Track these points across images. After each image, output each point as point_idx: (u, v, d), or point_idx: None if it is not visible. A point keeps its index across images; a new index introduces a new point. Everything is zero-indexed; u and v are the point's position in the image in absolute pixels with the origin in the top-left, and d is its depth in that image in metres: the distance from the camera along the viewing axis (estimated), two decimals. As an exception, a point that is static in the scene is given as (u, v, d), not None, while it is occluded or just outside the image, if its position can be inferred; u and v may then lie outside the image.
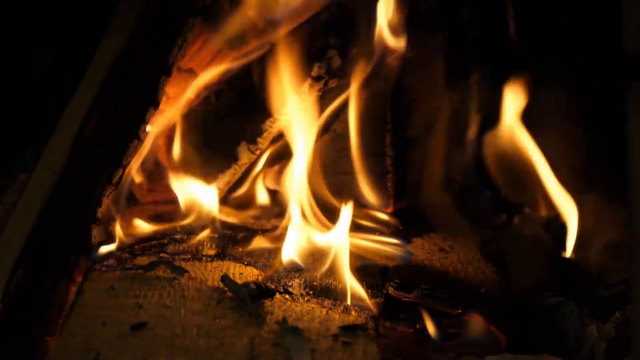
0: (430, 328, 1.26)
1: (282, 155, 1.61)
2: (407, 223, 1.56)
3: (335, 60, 1.46)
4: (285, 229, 1.42)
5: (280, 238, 1.43)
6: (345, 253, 1.34)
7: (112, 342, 1.10)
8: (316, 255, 1.36)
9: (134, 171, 1.51)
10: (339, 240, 1.36)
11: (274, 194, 1.63)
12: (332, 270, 1.33)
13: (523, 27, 1.55)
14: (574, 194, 1.51)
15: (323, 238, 1.38)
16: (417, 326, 1.29)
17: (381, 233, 1.50)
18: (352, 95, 1.52)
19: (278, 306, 1.20)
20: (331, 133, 1.61)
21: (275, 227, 1.51)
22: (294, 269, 1.34)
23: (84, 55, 1.43)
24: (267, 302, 1.20)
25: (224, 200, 1.58)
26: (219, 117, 1.56)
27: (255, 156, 1.54)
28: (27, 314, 1.23)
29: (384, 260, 1.41)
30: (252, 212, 1.60)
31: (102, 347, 1.08)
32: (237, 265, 1.36)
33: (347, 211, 1.41)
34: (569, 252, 1.51)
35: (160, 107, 1.41)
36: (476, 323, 1.28)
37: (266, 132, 1.51)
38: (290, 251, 1.36)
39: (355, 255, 1.38)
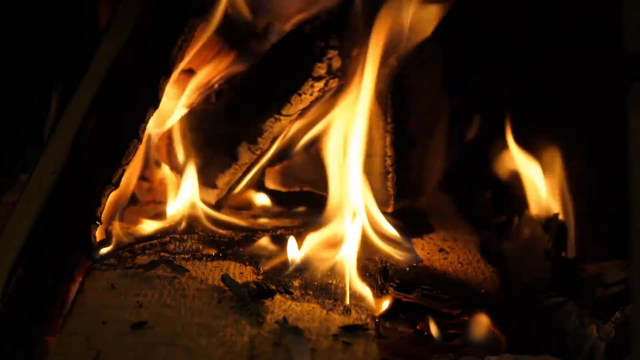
0: (434, 329, 1.26)
1: (283, 155, 1.61)
2: (407, 223, 1.56)
3: (335, 60, 1.46)
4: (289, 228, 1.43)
5: (281, 238, 1.43)
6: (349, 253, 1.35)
7: (113, 341, 1.09)
8: (318, 255, 1.36)
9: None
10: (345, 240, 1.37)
11: (274, 194, 1.64)
12: (334, 270, 1.33)
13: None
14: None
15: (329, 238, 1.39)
16: (417, 327, 1.29)
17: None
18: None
19: (278, 306, 1.20)
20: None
21: (275, 227, 1.51)
22: (295, 269, 1.34)
23: (84, 55, 1.43)
24: (268, 302, 1.20)
25: (224, 200, 1.58)
26: (219, 117, 1.56)
27: (255, 156, 1.54)
28: (27, 314, 1.23)
29: (389, 260, 1.40)
30: (252, 212, 1.61)
31: (102, 346, 1.08)
32: (237, 265, 1.35)
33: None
34: (568, 252, 1.52)
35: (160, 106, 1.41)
36: (477, 323, 1.28)
37: (267, 132, 1.51)
38: (292, 251, 1.36)
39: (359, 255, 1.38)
